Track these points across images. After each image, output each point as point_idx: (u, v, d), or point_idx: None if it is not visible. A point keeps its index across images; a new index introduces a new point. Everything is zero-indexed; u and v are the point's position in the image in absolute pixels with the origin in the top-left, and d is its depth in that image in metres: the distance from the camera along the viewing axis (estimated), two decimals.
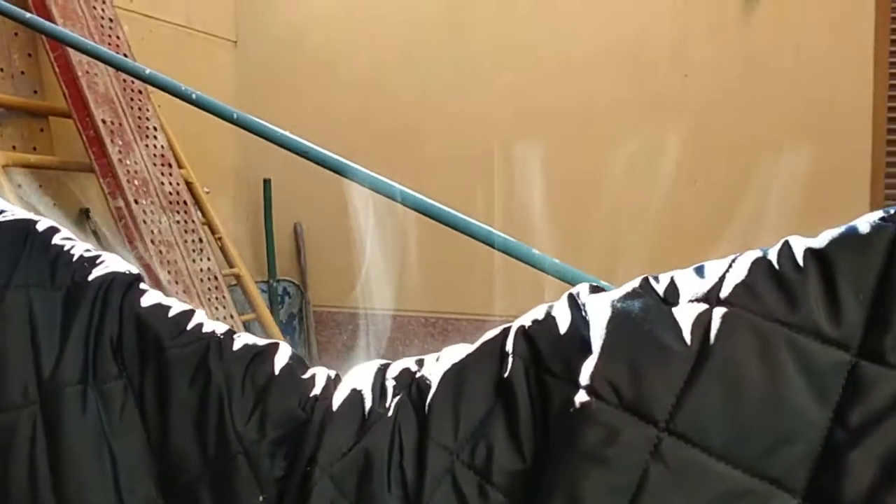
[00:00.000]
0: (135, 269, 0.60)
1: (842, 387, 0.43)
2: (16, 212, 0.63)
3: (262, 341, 0.56)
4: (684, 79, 3.69)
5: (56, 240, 0.60)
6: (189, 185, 3.42)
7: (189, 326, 0.56)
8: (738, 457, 0.43)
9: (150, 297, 0.58)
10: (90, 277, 0.57)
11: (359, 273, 4.04)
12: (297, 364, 0.55)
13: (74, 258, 0.59)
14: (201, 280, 3.13)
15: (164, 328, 0.55)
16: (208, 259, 3.25)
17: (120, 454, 0.54)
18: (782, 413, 0.43)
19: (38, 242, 0.60)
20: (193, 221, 3.24)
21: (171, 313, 0.57)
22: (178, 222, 3.14)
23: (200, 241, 3.24)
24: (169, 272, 2.99)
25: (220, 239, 3.58)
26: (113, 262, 0.59)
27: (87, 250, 0.60)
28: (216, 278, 3.24)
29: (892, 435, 0.41)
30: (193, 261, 3.15)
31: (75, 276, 0.58)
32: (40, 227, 0.62)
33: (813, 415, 0.43)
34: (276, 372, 0.54)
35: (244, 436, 0.52)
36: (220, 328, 0.57)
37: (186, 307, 0.58)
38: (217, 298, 3.20)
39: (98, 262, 0.59)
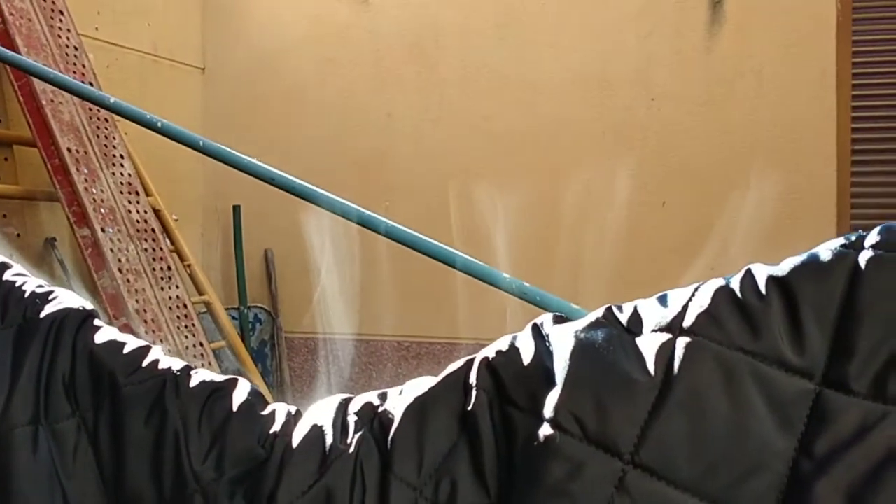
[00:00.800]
0: (89, 305, 0.58)
1: (806, 416, 0.43)
2: None
3: (220, 377, 0.55)
4: (650, 103, 3.73)
5: (7, 276, 0.59)
6: (157, 212, 3.38)
7: (145, 363, 0.54)
8: (704, 489, 0.43)
9: (104, 334, 0.56)
10: (42, 314, 0.56)
11: (330, 298, 4.02)
12: (257, 400, 0.54)
13: (26, 294, 0.57)
14: (170, 308, 3.09)
15: (118, 365, 0.54)
16: (177, 287, 3.21)
17: (73, 495, 0.52)
18: (747, 443, 0.43)
19: None
20: (161, 249, 3.20)
21: (127, 349, 0.55)
22: (145, 250, 3.10)
23: (169, 268, 3.21)
24: (137, 301, 2.95)
25: (189, 266, 3.55)
26: (66, 298, 0.58)
27: (40, 286, 0.59)
28: (185, 306, 3.20)
29: (857, 464, 0.41)
30: (162, 289, 3.11)
31: (27, 312, 0.56)
32: None
33: (778, 444, 0.43)
34: (235, 408, 0.53)
35: (201, 475, 0.50)
36: (176, 364, 0.55)
37: (142, 343, 0.57)
38: (186, 326, 3.16)
39: (51, 297, 0.57)
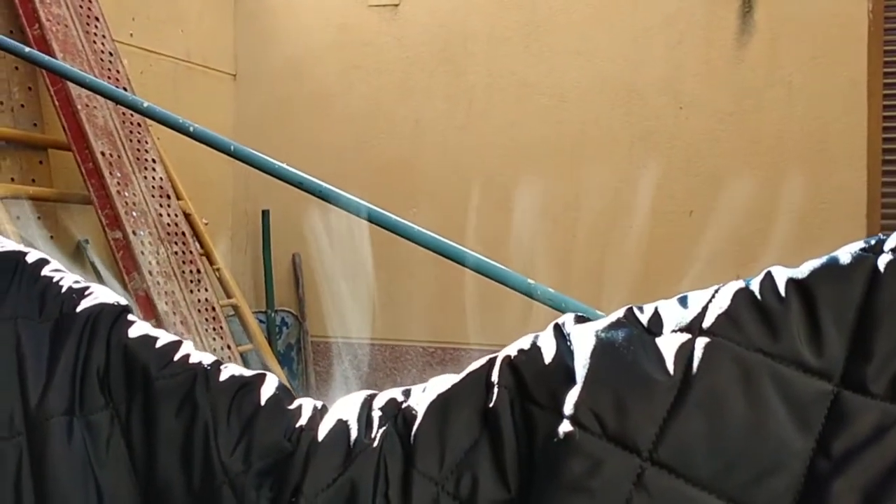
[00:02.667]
0: (123, 301, 0.60)
1: (824, 416, 0.43)
2: (6, 244, 0.63)
3: (248, 372, 0.57)
4: (678, 112, 3.72)
5: (45, 271, 0.61)
6: (188, 216, 3.43)
7: (176, 357, 0.56)
8: (721, 487, 0.43)
9: (138, 329, 0.58)
10: (78, 309, 0.58)
11: (357, 303, 4.04)
12: (284, 395, 0.56)
13: (63, 290, 0.59)
14: (199, 311, 3.13)
15: (151, 359, 0.56)
16: (206, 290, 3.25)
17: (105, 485, 0.54)
18: (765, 443, 0.43)
19: (28, 274, 0.60)
20: (191, 252, 3.25)
21: (159, 344, 0.57)
22: (175, 253, 3.15)
23: (198, 272, 3.25)
24: (167, 303, 3.00)
25: (218, 270, 3.59)
26: (102, 294, 0.60)
27: (77, 282, 0.61)
28: (214, 309, 3.24)
29: (873, 464, 0.41)
30: (191, 291, 3.15)
31: (64, 307, 0.58)
32: (30, 258, 0.62)
33: (796, 444, 0.43)
34: (263, 403, 0.54)
35: (229, 466, 0.52)
36: (207, 359, 0.57)
37: (174, 338, 0.58)
38: (214, 329, 3.19)
39: (87, 293, 0.59)
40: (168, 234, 3.12)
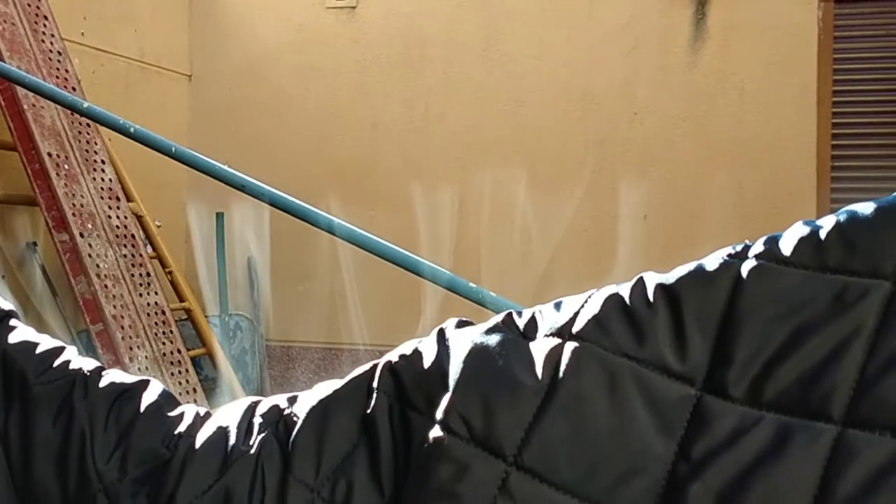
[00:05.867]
0: (7, 305, 0.59)
1: (686, 420, 0.44)
2: None
3: (131, 378, 0.56)
4: (633, 117, 3.75)
5: None
6: (139, 218, 3.39)
7: (56, 363, 0.55)
8: (584, 491, 0.44)
9: (18, 334, 0.57)
10: None
11: (312, 307, 4.02)
12: (166, 401, 0.55)
13: None
14: (148, 314, 3.09)
15: (30, 364, 0.54)
16: (156, 293, 3.21)
17: None
18: (628, 446, 0.43)
19: None
20: (141, 255, 3.21)
21: (39, 350, 0.56)
22: (125, 256, 3.10)
23: (148, 275, 3.21)
24: (115, 307, 2.95)
25: (170, 273, 3.55)
26: None
27: None
28: (164, 313, 3.20)
29: (729, 468, 0.42)
30: (140, 295, 3.11)
31: None
32: None
33: (658, 448, 0.43)
34: (142, 409, 0.53)
35: (105, 474, 0.51)
36: (88, 365, 0.56)
37: (57, 344, 0.57)
38: (164, 333, 3.15)
39: None
40: (117, 236, 3.08)
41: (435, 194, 3.86)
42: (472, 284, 1.71)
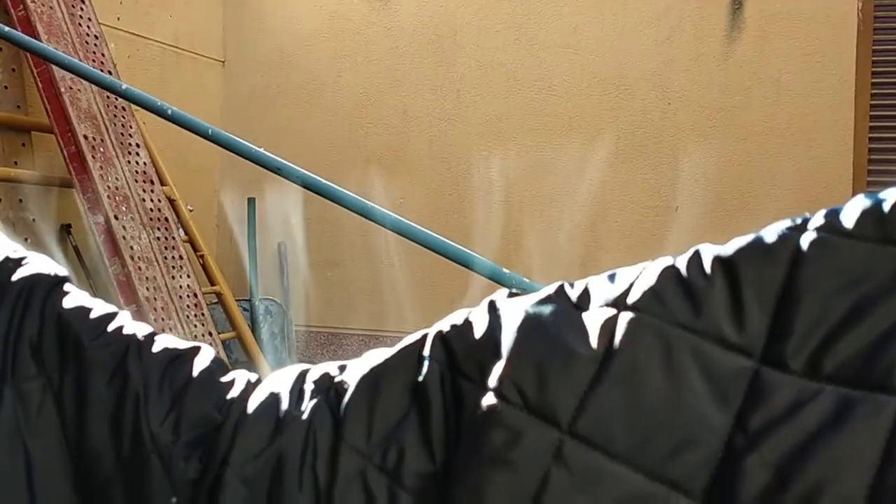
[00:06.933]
0: (62, 271, 0.60)
1: (744, 392, 0.43)
2: None
3: (183, 344, 0.56)
4: (666, 107, 3.72)
5: None
6: (172, 202, 3.42)
7: (110, 328, 0.56)
8: (639, 460, 0.43)
9: (73, 299, 0.58)
10: (14, 278, 0.57)
11: (342, 293, 4.04)
12: (218, 367, 0.55)
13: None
14: (180, 297, 3.12)
15: (84, 328, 0.55)
16: (188, 276, 3.24)
17: (35, 453, 0.54)
18: (684, 417, 0.43)
19: None
20: (174, 238, 3.24)
21: (94, 314, 0.57)
22: (158, 239, 3.14)
23: (181, 258, 3.24)
24: (148, 288, 2.99)
25: (202, 257, 3.58)
26: (38, 264, 0.59)
27: (15, 251, 0.60)
28: (196, 296, 3.23)
29: (787, 440, 0.41)
30: (173, 277, 3.14)
31: None
32: None
33: (714, 420, 0.43)
34: (195, 374, 0.54)
35: (159, 437, 0.52)
36: (141, 330, 0.56)
37: (110, 309, 0.58)
38: (196, 316, 3.19)
39: (23, 262, 0.59)
40: (151, 219, 3.11)
41: (465, 182, 3.86)
42: (505, 270, 1.71)
